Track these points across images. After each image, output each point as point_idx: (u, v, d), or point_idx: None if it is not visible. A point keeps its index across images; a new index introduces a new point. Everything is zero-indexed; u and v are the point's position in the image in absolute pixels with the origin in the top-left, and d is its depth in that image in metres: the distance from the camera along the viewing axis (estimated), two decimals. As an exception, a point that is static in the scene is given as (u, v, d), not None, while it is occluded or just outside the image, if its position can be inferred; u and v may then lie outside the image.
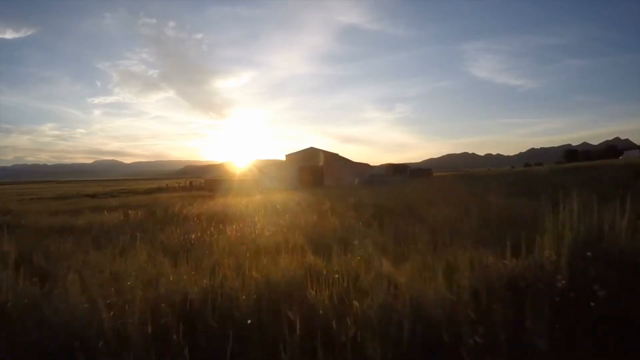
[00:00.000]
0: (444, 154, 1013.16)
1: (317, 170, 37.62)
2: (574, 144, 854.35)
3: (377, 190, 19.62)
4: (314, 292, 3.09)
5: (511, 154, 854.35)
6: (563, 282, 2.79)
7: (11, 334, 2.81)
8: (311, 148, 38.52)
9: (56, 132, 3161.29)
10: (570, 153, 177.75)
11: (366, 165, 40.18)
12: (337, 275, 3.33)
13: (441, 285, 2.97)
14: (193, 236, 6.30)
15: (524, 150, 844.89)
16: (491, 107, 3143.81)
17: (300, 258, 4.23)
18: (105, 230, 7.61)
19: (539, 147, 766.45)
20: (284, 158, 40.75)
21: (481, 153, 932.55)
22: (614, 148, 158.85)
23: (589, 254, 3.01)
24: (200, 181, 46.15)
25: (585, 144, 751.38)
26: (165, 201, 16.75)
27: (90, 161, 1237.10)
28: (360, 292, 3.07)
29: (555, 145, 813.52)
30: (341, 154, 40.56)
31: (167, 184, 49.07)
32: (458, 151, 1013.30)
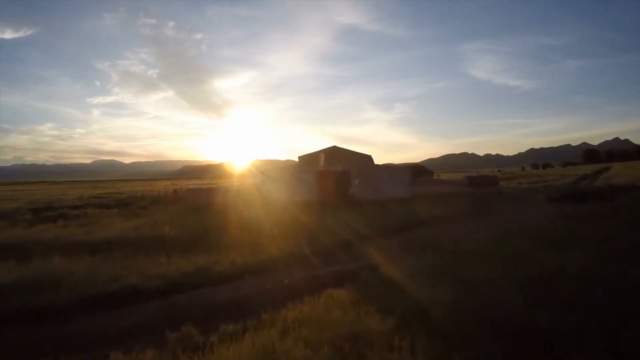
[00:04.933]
0: (444, 154, 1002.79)
1: (342, 177, 27.13)
2: (574, 144, 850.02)
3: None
4: None
5: (511, 154, 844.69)
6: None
7: None
8: (334, 147, 27.99)
9: (55, 132, 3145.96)
10: (590, 153, 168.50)
11: (407, 169, 29.77)
12: None
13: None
14: None
15: (523, 150, 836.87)
16: (490, 108, 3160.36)
17: None
18: None
19: (538, 147, 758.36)
20: (283, 158, 30.86)
21: (480, 153, 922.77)
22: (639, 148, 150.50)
23: None
24: (181, 188, 34.81)
25: (584, 144, 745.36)
26: None
27: (89, 161, 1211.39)
28: None
29: (555, 146, 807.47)
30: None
31: (142, 193, 38.31)
32: (457, 151, 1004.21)
